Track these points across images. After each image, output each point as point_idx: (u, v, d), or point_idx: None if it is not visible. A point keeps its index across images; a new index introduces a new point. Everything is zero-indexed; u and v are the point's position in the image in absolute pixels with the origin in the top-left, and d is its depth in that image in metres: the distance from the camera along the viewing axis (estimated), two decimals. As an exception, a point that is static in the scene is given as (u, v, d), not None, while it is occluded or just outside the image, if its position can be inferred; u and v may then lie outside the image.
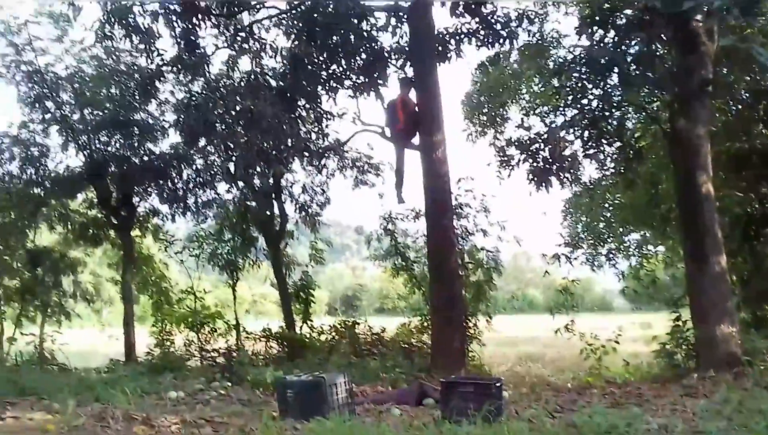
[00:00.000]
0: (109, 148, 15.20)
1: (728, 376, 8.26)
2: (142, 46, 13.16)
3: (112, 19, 12.23)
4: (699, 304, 9.15)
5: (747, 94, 12.83)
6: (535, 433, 5.13)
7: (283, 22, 13.51)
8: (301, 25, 12.71)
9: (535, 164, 12.39)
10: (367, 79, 13.22)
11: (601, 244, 19.64)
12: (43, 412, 7.24)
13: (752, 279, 11.79)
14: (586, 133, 11.77)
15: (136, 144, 15.07)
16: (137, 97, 14.84)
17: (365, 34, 12.39)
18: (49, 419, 6.76)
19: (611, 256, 19.61)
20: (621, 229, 18.76)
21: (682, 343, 10.63)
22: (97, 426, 6.24)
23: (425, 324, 13.97)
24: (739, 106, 13.19)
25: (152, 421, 6.56)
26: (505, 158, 13.32)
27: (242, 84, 13.82)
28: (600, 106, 11.63)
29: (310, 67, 13.16)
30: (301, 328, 14.82)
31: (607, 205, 18.33)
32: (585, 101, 11.76)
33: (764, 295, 11.31)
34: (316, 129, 14.86)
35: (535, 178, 12.30)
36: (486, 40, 12.74)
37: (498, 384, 6.86)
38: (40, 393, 8.62)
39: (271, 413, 7.24)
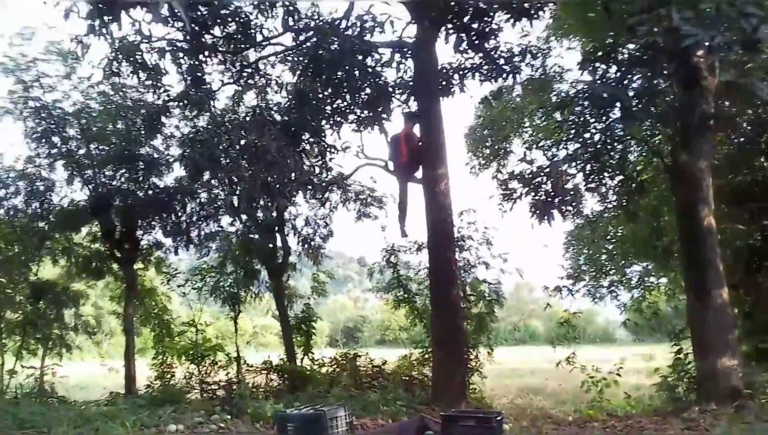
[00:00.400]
0: (114, 182, 15.29)
1: (730, 410, 8.29)
2: (149, 82, 13.35)
3: (120, 56, 12.38)
4: (701, 337, 9.19)
5: (749, 127, 12.96)
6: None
7: (289, 58, 13.67)
8: (306, 61, 12.85)
9: (537, 197, 12.49)
10: (371, 114, 13.38)
11: (603, 276, 19.68)
12: (44, 445, 7.28)
13: (754, 312, 11.82)
14: (588, 167, 11.90)
15: (140, 178, 15.14)
16: (143, 132, 14.95)
17: (370, 69, 12.51)
18: (51, 452, 6.80)
19: (613, 288, 19.65)
20: (623, 262, 18.79)
21: (683, 376, 10.65)
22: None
23: (426, 356, 13.98)
24: (741, 139, 13.32)
25: (153, 455, 6.60)
26: (508, 191, 13.40)
27: (247, 118, 13.97)
28: (602, 139, 11.76)
29: (314, 101, 13.31)
30: (302, 360, 14.82)
31: (608, 238, 18.38)
32: (587, 135, 11.89)
33: (766, 328, 11.32)
34: (319, 162, 14.95)
35: (537, 211, 12.39)
36: (489, 74, 12.86)
37: (499, 417, 6.90)
38: (39, 426, 8.66)
39: (271, 448, 7.28)
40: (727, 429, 6.88)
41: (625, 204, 13.52)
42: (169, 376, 14.18)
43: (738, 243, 11.73)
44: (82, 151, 15.24)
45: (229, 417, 10.22)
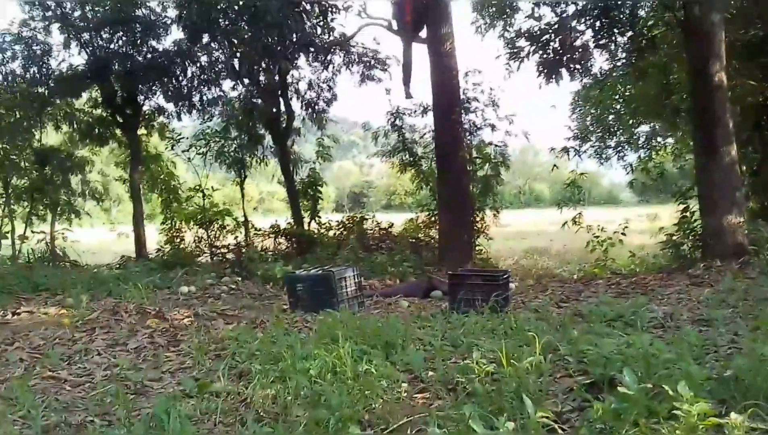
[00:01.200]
0: (112, 46, 14.88)
1: (734, 266, 8.32)
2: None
3: None
4: (708, 195, 9.12)
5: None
6: (542, 322, 5.20)
7: None
8: None
9: (545, 56, 12.11)
10: (373, -30, 12.84)
11: (610, 136, 19.48)
12: (57, 307, 7.40)
13: (762, 169, 11.70)
14: (598, 23, 11.48)
15: (138, 41, 14.72)
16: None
17: None
18: (64, 313, 6.91)
19: (620, 148, 19.49)
20: (631, 121, 18.52)
21: (689, 234, 10.66)
22: (111, 319, 6.38)
23: (433, 219, 14.04)
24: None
25: (165, 314, 6.69)
26: (515, 50, 12.97)
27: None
28: (612, -7, 11.29)
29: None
30: (309, 224, 14.90)
31: (617, 97, 18.01)
32: (597, -11, 11.41)
33: (773, 186, 11.27)
34: (321, 23, 14.50)
35: (545, 70, 12.05)
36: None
37: (505, 276, 6.93)
38: (53, 289, 8.78)
39: (281, 306, 7.38)
40: (731, 283, 6.91)
41: (634, 61, 13.13)
42: (178, 240, 14.30)
43: (749, 100, 11.46)
44: (77, 14, 14.75)
45: (239, 278, 10.38)
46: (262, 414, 3.32)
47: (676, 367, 3.18)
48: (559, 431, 2.84)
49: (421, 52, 11.99)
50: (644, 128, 19.80)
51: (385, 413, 3.18)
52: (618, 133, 19.15)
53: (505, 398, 3.16)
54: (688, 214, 10.99)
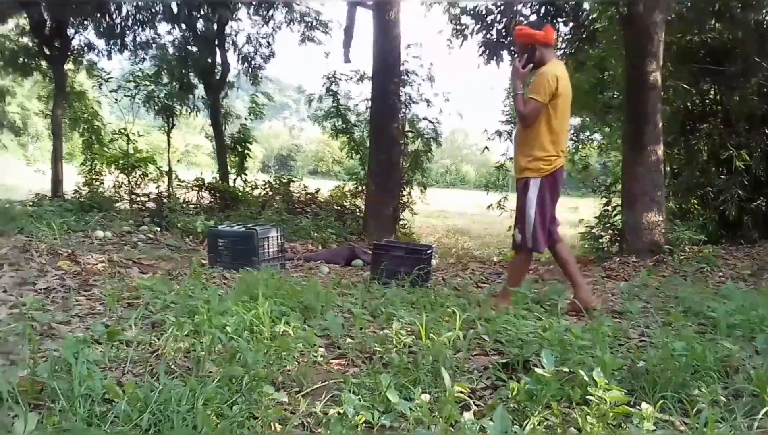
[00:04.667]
0: (45, -29, 14.23)
1: (649, 263, 8.57)
2: None
3: None
4: (630, 191, 9.33)
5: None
6: (461, 299, 5.24)
7: None
8: None
9: (488, 36, 12.20)
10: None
11: (541, 125, 19.77)
12: (-37, 240, 7.06)
13: (683, 172, 12.06)
14: (543, 9, 11.61)
15: (73, -30, 14.12)
16: None
17: None
18: (-30, 247, 6.60)
19: (550, 138, 19.82)
20: (562, 113, 18.79)
21: (608, 228, 10.94)
22: (21, 257, 6.12)
23: (360, 189, 14.02)
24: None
25: (78, 257, 6.46)
26: (460, 27, 13.01)
27: None
28: (560, -18, 11.44)
29: None
30: (234, 180, 14.67)
31: (552, 87, 18.26)
32: (545, -22, 11.53)
33: (692, 189, 11.61)
34: (266, -25, 14.22)
35: (487, 51, 12.14)
36: None
37: (429, 251, 6.95)
38: (-41, 222, 8.39)
39: (200, 260, 7.23)
40: (645, 279, 7.11)
41: (573, 52, 13.34)
42: (97, 183, 13.82)
43: (678, 102, 11.77)
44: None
45: (158, 229, 10.12)
46: (173, 367, 3.23)
47: (589, 355, 3.23)
48: (474, 407, 2.85)
49: (365, 19, 11.88)
50: (574, 121, 20.19)
51: (300, 375, 3.14)
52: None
53: (421, 370, 3.15)
54: (609, 208, 11.28)
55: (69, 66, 15.54)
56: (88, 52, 15.46)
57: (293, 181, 14.69)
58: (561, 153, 5.24)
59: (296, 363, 3.37)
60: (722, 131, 11.26)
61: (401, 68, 12.90)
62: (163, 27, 14.52)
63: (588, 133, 20.19)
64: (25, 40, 15.42)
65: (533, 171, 5.23)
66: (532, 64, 5.28)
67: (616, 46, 12.33)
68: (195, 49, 14.42)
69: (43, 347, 3.36)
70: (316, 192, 14.51)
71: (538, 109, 5.11)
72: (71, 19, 14.25)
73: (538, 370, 2.81)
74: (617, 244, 10.08)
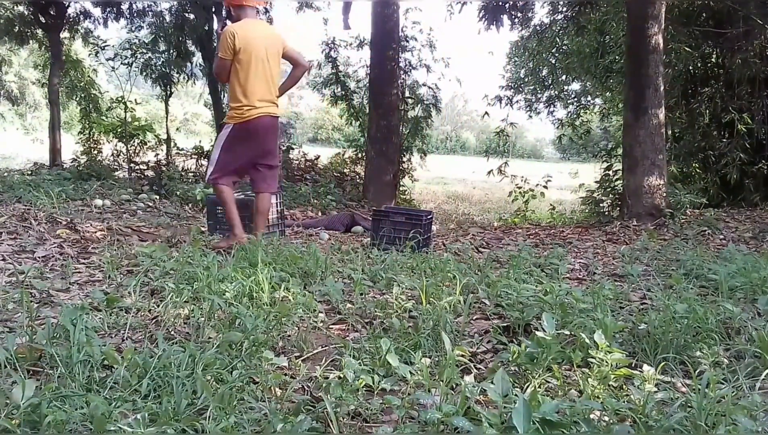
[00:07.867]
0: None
1: (650, 226, 8.55)
2: None
3: None
4: (632, 155, 9.27)
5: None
6: (461, 264, 5.22)
7: None
8: None
9: (488, 1, 12.06)
10: None
11: (542, 90, 19.69)
12: (-39, 209, 7.03)
13: (685, 136, 11.99)
14: (544, -27, 11.48)
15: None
16: None
17: None
18: (-32, 216, 6.57)
19: (551, 103, 19.76)
20: (564, 77, 18.70)
21: (609, 193, 10.92)
22: (19, 226, 6.10)
23: (360, 155, 13.96)
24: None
25: (76, 225, 6.44)
26: (458, -9, 12.87)
27: None
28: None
29: None
30: (234, 148, 14.58)
31: (553, 51, 18.15)
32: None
33: (694, 153, 11.54)
34: (263, -60, 13.99)
35: (487, 15, 12.00)
36: None
37: (429, 217, 6.91)
38: (-43, 190, 8.36)
39: (199, 228, 7.20)
40: (646, 242, 7.08)
41: (575, 15, 13.21)
42: (95, 152, 13.78)
43: (680, 65, 11.67)
44: None
45: (157, 197, 10.07)
46: (173, 333, 3.22)
47: (590, 318, 3.22)
48: (474, 370, 2.85)
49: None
50: (575, 86, 20.10)
51: (301, 341, 3.13)
52: (550, 87, 19.35)
53: (421, 335, 3.14)
54: (610, 172, 11.24)
55: (65, 34, 15.38)
56: (84, 20, 15.30)
57: (293, 149, 14.61)
58: (258, 103, 5.73)
59: (296, 328, 3.36)
60: (724, 94, 11.17)
61: (400, 34, 12.78)
62: (159, -6, 14.37)
63: (589, 98, 20.12)
64: (21, 8, 15.26)
65: (229, 118, 5.88)
66: (227, 25, 5.90)
67: (617, 9, 12.21)
68: (192, 16, 14.26)
69: (42, 314, 3.35)
70: (316, 159, 14.44)
71: (221, 65, 5.75)
72: (66, -15, 14.12)
73: (539, 334, 2.78)
74: (618, 208, 10.05)
